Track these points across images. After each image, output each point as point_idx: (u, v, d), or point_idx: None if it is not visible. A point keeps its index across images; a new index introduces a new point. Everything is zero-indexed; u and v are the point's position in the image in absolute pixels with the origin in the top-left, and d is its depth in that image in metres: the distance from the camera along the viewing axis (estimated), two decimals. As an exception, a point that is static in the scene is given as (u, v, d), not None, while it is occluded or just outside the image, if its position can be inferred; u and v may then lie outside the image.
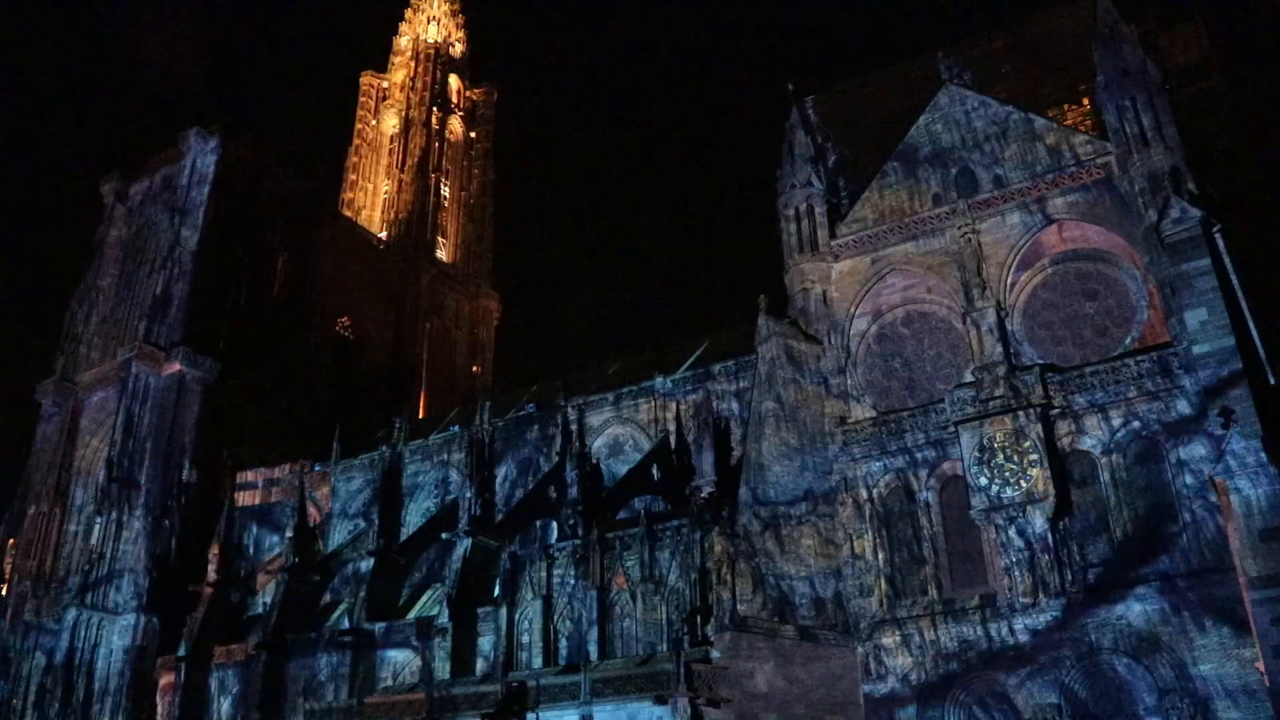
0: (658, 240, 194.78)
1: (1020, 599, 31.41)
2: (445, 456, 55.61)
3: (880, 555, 35.06)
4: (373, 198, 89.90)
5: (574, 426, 49.15)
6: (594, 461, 46.29)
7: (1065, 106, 42.83)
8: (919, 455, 35.50)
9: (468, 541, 44.48)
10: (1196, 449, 30.70)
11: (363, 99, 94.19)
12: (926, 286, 37.99)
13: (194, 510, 57.52)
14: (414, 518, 54.38)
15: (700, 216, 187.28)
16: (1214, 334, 30.43)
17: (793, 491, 35.10)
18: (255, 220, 69.32)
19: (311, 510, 56.33)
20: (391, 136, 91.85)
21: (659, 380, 49.29)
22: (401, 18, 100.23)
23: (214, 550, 54.22)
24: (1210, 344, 30.38)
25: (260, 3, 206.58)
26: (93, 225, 72.25)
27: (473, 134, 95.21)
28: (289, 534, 54.61)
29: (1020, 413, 32.98)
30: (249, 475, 60.90)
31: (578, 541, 39.86)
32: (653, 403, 49.22)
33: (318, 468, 59.22)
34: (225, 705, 49.53)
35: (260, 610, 53.13)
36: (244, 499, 60.39)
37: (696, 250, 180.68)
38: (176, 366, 60.79)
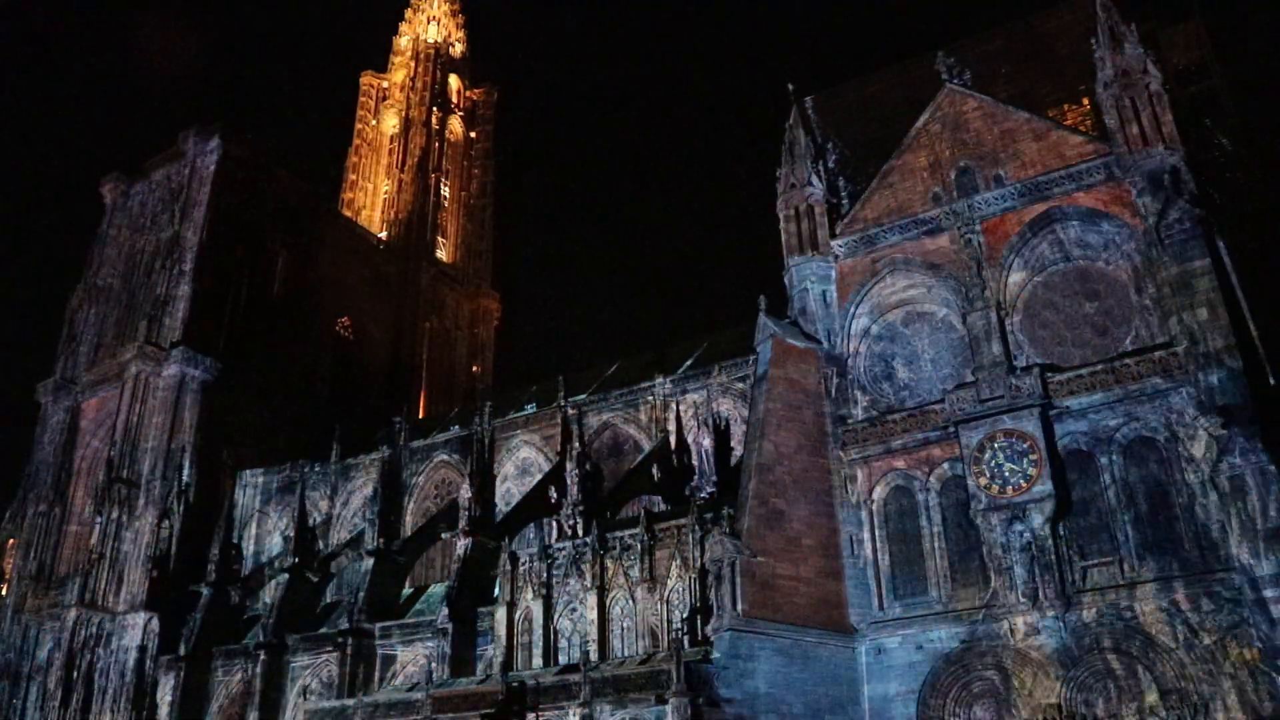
0: (658, 240, 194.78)
1: (1020, 599, 31.40)
2: (445, 456, 55.62)
3: (880, 555, 35.02)
4: (373, 198, 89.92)
5: (574, 426, 49.15)
6: (594, 461, 46.29)
7: (1065, 106, 42.70)
8: (919, 455, 35.48)
9: (468, 541, 44.48)
10: (1196, 449, 30.69)
11: (363, 99, 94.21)
12: (926, 286, 37.97)
13: (194, 510, 57.48)
14: (414, 518, 54.41)
15: (700, 216, 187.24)
16: (1214, 334, 30.43)
17: (793, 491, 35.05)
18: (255, 220, 69.33)
19: (311, 510, 56.33)
20: (391, 136, 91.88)
21: (659, 380, 49.32)
22: (401, 18, 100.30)
23: (214, 550, 54.24)
24: (1210, 344, 30.38)
25: (260, 3, 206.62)
26: (93, 225, 72.36)
27: (473, 134, 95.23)
28: (289, 534, 54.62)
29: (1020, 413, 32.98)
30: (249, 475, 60.94)
31: (578, 541, 39.86)
32: (653, 403, 49.27)
33: (318, 468, 59.23)
34: (225, 705, 49.56)
35: (260, 610, 53.13)
36: (244, 499, 60.44)
37: (696, 250, 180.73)
38: (176, 367, 60.77)
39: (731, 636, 31.51)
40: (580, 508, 42.08)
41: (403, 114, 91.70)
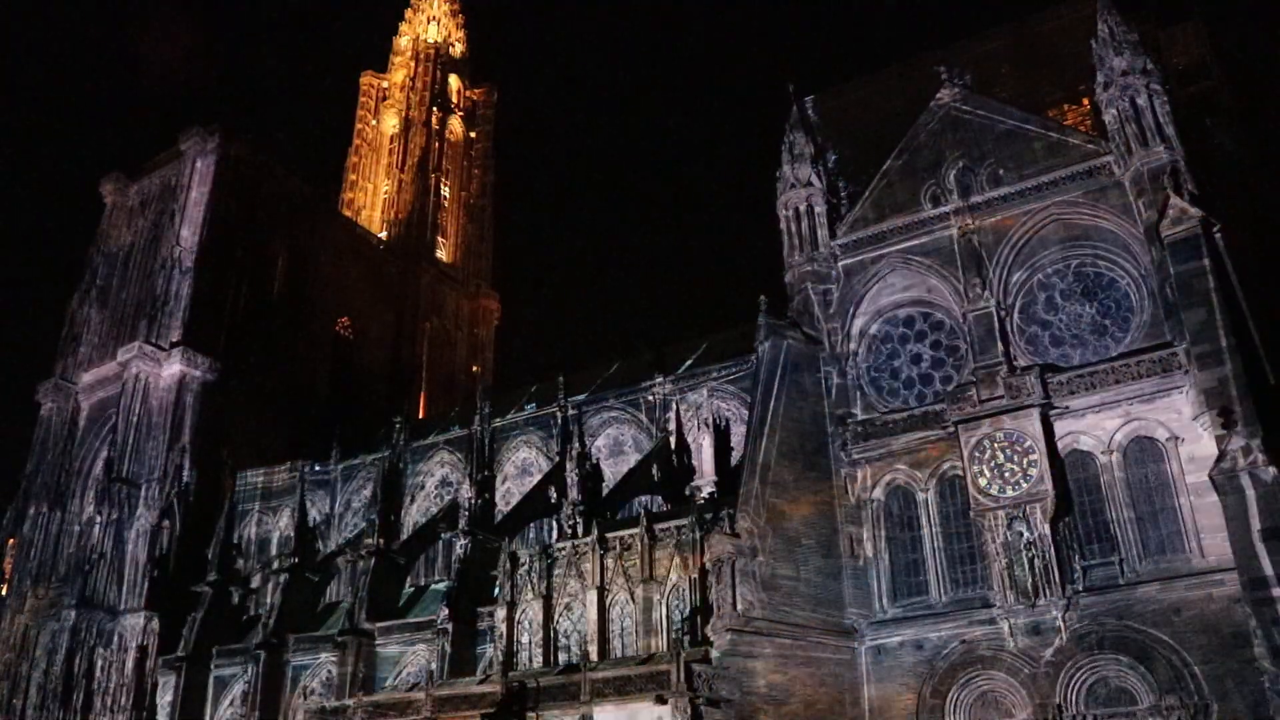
0: (658, 240, 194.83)
1: (1020, 599, 31.37)
2: (445, 456, 55.63)
3: (880, 555, 35.00)
4: (373, 198, 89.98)
5: (574, 426, 49.17)
6: (594, 461, 46.30)
7: (1065, 106, 42.72)
8: (919, 455, 35.46)
9: (467, 541, 44.51)
10: (1196, 449, 30.67)
11: (363, 99, 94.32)
12: (926, 286, 37.95)
13: (194, 510, 57.51)
14: (414, 517, 54.40)
15: (700, 216, 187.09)
16: (1214, 334, 30.38)
17: (793, 491, 35.02)
18: (255, 220, 69.37)
19: (311, 510, 56.34)
20: (391, 136, 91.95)
21: (659, 380, 49.33)
22: (401, 18, 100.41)
23: (214, 550, 54.24)
24: (1210, 344, 30.34)
25: (260, 3, 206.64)
26: (93, 225, 72.42)
27: (473, 134, 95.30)
28: (289, 534, 54.64)
29: (1020, 413, 32.96)
30: (249, 475, 60.96)
31: (578, 541, 39.85)
32: (653, 403, 49.27)
33: (318, 468, 59.25)
34: (225, 705, 49.56)
35: (260, 610, 53.13)
36: (244, 499, 60.45)
37: (696, 250, 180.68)
38: (176, 366, 60.84)
39: (731, 637, 31.48)
40: (580, 508, 42.13)
41: (403, 114, 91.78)
